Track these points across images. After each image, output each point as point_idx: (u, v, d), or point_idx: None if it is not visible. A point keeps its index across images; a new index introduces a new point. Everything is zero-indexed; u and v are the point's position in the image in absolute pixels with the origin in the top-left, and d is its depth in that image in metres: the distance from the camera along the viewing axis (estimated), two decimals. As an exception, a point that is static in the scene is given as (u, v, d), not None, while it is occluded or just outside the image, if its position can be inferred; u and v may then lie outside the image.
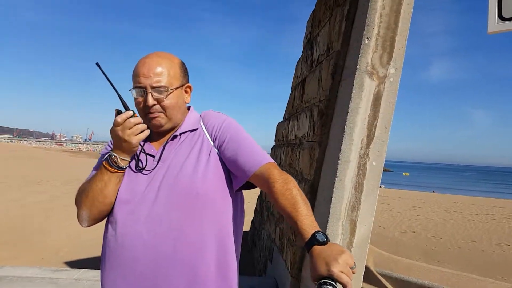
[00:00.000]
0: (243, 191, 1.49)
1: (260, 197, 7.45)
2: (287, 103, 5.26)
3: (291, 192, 1.20)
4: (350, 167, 2.76)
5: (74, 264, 6.38)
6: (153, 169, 1.36)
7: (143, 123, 1.32)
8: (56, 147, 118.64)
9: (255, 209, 8.01)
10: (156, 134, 1.43)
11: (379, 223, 10.21)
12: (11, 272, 4.34)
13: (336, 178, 2.80)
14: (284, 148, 4.85)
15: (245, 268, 6.13)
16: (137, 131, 1.30)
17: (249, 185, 1.41)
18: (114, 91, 1.30)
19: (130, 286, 1.28)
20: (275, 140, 5.99)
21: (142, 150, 1.38)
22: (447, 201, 16.07)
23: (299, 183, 3.57)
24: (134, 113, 1.31)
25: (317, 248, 1.05)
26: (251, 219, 8.42)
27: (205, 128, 1.44)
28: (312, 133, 3.27)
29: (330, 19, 3.22)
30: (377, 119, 2.64)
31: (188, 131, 1.42)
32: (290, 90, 5.27)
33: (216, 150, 1.40)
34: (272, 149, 6.25)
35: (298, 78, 4.47)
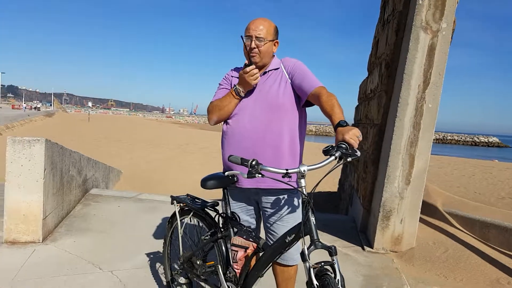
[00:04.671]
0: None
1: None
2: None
3: (331, 100, 1.96)
4: (408, 108, 3.34)
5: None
6: (252, 92, 2.24)
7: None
8: (166, 119, 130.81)
9: (342, 169, 8.66)
10: None
11: (475, 189, 9.98)
12: (148, 197, 5.81)
13: (396, 119, 3.41)
14: (363, 103, 5.43)
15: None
16: (255, 77, 2.14)
17: (310, 104, 2.21)
18: (247, 52, 2.16)
19: (240, 155, 2.18)
20: (358, 99, 6.53)
21: None
22: None
23: (370, 128, 4.22)
24: (255, 67, 2.17)
25: (339, 128, 1.79)
26: (339, 178, 9.11)
27: (284, 67, 2.27)
28: (380, 84, 3.86)
29: (396, -16, 3.72)
30: (432, 67, 3.16)
31: (273, 69, 2.27)
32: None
33: (290, 81, 2.22)
34: (355, 108, 6.80)
35: (375, 38, 4.98)
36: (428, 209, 4.47)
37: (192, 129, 52.35)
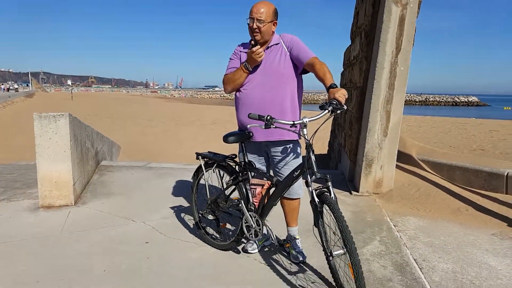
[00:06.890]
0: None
1: (334, 119, 8.72)
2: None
3: (323, 68, 2.56)
4: (384, 72, 3.96)
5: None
6: (260, 65, 2.79)
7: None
8: (151, 94, 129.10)
9: (331, 131, 9.34)
10: None
11: (450, 143, 10.89)
12: (157, 165, 6.39)
13: (375, 81, 4.03)
14: (348, 69, 6.02)
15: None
16: (261, 55, 2.69)
17: (305, 72, 2.81)
18: (252, 37, 2.70)
19: None
20: (343, 66, 7.12)
21: None
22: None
23: (354, 91, 4.85)
24: (260, 46, 2.72)
25: (331, 89, 2.40)
26: (328, 141, 9.80)
27: (283, 42, 2.83)
28: (361, 51, 4.45)
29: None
30: (402, 35, 3.76)
31: (274, 44, 2.83)
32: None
33: (288, 53, 2.79)
34: (341, 74, 7.39)
35: (356, 9, 5.52)
36: (404, 157, 5.19)
37: (181, 103, 52.56)
